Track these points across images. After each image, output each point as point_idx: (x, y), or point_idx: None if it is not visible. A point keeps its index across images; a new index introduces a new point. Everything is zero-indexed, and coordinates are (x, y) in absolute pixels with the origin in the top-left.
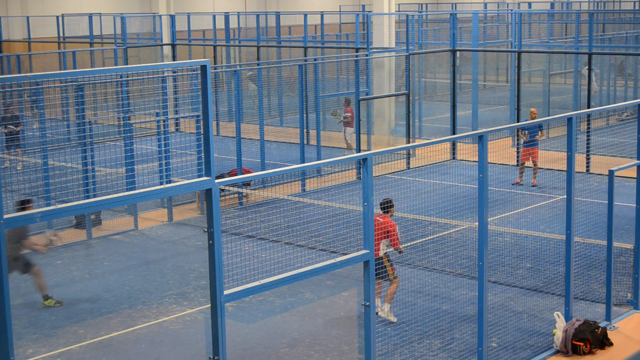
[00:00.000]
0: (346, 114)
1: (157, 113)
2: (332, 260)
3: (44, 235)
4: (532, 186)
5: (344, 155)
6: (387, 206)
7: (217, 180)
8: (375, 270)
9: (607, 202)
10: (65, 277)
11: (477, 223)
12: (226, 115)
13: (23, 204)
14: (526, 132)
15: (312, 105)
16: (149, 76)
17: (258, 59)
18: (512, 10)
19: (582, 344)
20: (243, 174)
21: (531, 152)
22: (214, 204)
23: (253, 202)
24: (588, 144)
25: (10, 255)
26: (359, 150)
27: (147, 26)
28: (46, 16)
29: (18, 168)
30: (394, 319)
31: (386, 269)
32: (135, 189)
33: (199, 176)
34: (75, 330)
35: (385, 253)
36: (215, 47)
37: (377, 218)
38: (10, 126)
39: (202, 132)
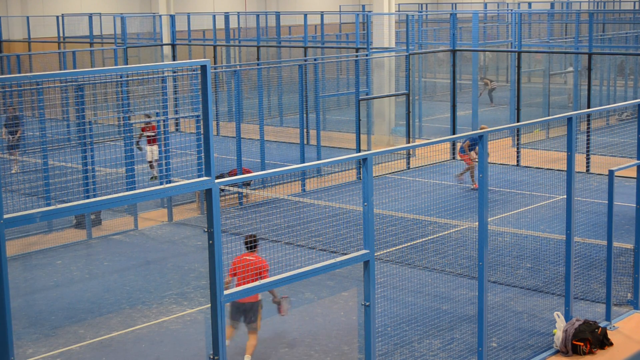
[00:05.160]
0: (148, 133)
1: (157, 113)
2: (332, 260)
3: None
4: (473, 189)
5: (150, 177)
6: (253, 242)
7: (217, 180)
8: (247, 316)
9: (607, 202)
10: (65, 277)
11: (477, 223)
12: (226, 115)
13: None
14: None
15: (312, 105)
16: (149, 76)
17: (258, 59)
18: (512, 10)
19: (582, 344)
20: (243, 174)
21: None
22: (214, 204)
23: (253, 202)
24: (588, 144)
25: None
26: (358, 150)
27: (147, 26)
28: (46, 16)
29: (12, 171)
30: None
31: (256, 316)
32: (135, 189)
33: (199, 176)
34: (75, 330)
35: (261, 300)
36: (215, 47)
37: (246, 257)
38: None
39: (202, 132)
